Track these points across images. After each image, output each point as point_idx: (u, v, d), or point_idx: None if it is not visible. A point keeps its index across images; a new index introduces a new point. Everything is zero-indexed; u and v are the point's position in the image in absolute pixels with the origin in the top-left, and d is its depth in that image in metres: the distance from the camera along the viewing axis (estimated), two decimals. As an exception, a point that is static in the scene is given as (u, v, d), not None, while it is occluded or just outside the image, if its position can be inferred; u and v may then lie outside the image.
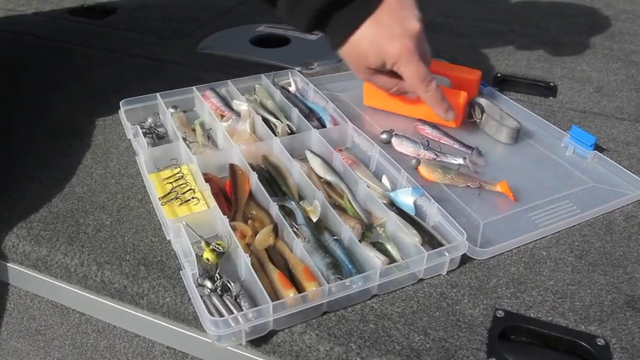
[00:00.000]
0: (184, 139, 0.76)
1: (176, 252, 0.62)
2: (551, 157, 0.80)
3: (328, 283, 0.56)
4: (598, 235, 0.67)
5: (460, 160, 0.77)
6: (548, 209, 0.70)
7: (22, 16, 1.26)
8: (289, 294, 0.55)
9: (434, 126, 0.82)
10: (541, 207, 0.70)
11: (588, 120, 0.90)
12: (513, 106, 0.89)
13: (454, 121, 0.82)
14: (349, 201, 0.68)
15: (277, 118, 0.83)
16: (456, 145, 0.80)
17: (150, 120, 0.83)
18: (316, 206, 0.66)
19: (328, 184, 0.72)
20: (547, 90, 1.00)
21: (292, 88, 0.93)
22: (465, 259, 0.63)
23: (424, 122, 0.83)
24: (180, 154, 0.75)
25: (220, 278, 0.57)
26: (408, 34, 0.71)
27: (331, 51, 0.77)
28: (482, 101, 0.85)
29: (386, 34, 0.71)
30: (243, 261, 0.58)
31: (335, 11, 0.71)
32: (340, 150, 0.77)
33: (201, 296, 0.55)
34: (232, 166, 0.72)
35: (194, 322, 0.58)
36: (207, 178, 0.69)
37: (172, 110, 0.84)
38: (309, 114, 0.84)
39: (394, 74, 0.75)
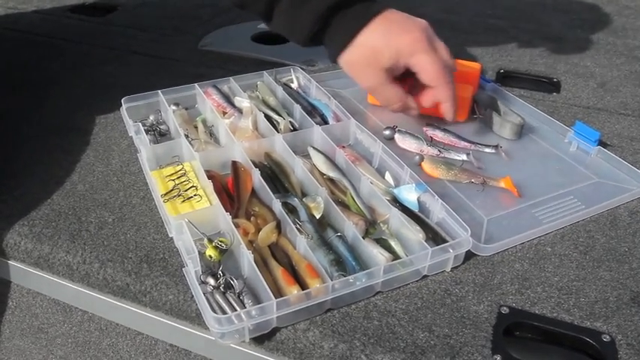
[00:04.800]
0: (186, 136, 0.75)
1: (178, 249, 0.62)
2: (555, 153, 0.80)
3: (332, 280, 0.55)
4: (603, 230, 0.67)
5: (463, 156, 0.76)
6: (553, 205, 0.69)
7: (23, 14, 1.26)
8: (292, 291, 0.55)
9: (445, 130, 0.81)
10: (545, 203, 0.70)
11: (592, 116, 0.90)
12: (516, 102, 0.89)
13: (460, 115, 0.82)
14: (352, 197, 0.68)
15: (279, 115, 0.82)
16: (472, 147, 0.79)
17: (152, 117, 0.83)
18: (319, 203, 0.66)
19: (331, 180, 0.72)
20: (550, 86, 0.99)
21: (294, 85, 0.92)
22: (469, 256, 0.62)
23: (434, 127, 0.81)
24: (183, 151, 0.75)
25: (223, 275, 0.57)
26: (418, 28, 0.72)
27: (331, 62, 0.77)
28: (486, 97, 0.85)
29: (398, 28, 0.72)
30: (246, 258, 0.58)
31: (337, 14, 0.72)
32: (343, 146, 0.76)
33: (204, 293, 0.55)
34: (235, 163, 0.71)
35: (197, 319, 0.57)
36: (210, 175, 0.69)
37: (174, 107, 0.83)
38: (312, 111, 0.84)
39: (402, 82, 0.75)
